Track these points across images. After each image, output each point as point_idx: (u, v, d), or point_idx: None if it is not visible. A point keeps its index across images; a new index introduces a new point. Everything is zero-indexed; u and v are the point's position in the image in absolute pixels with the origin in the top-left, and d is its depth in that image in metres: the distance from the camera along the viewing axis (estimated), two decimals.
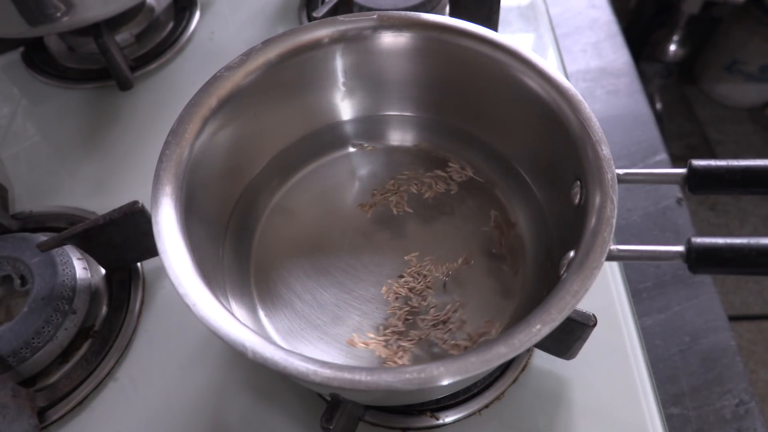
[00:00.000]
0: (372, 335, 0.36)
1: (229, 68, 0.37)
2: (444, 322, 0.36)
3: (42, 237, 0.43)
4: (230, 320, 0.27)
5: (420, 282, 0.38)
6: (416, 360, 0.35)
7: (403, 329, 0.36)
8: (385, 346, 0.36)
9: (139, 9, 0.60)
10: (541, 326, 0.26)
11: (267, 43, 0.38)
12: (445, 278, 0.38)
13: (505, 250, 0.39)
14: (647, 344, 0.42)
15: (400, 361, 0.35)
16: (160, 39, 0.61)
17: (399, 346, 0.35)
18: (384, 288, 0.38)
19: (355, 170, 0.44)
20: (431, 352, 0.36)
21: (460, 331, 0.36)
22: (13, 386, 0.36)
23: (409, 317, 0.37)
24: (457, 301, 0.37)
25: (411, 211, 0.42)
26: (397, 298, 0.38)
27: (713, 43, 1.52)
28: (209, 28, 0.62)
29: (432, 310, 0.37)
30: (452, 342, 0.35)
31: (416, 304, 0.37)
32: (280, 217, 0.42)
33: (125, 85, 0.56)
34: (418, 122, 0.45)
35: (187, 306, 0.27)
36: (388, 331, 0.36)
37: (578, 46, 0.65)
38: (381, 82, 0.43)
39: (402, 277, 0.39)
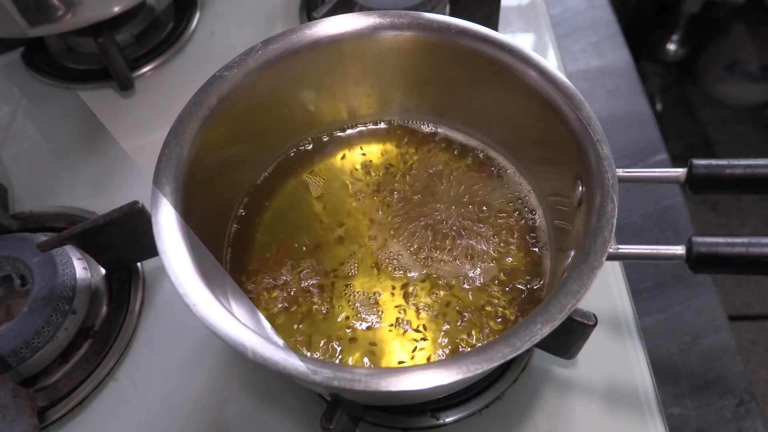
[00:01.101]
0: (356, 288, 0.37)
1: (229, 68, 0.37)
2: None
3: (42, 237, 0.43)
4: (230, 320, 0.27)
5: (420, 302, 0.37)
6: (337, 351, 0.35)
7: (365, 317, 0.36)
8: (350, 306, 0.37)
9: (139, 9, 0.60)
10: (542, 326, 0.26)
11: (267, 43, 0.38)
12: (433, 313, 0.36)
13: (495, 314, 0.36)
14: (647, 344, 0.42)
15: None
16: (160, 39, 0.61)
17: (348, 319, 0.36)
18: (402, 282, 0.37)
19: (362, 171, 0.44)
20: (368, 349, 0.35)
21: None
22: (13, 386, 0.36)
23: (380, 312, 0.36)
24: (422, 338, 0.36)
25: (428, 228, 0.40)
26: (394, 294, 0.37)
27: (713, 43, 1.52)
28: (209, 28, 0.62)
29: (395, 329, 0.36)
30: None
31: (395, 315, 0.36)
32: (280, 217, 0.42)
33: (125, 85, 0.56)
34: (417, 122, 0.45)
35: (187, 306, 0.27)
36: (356, 305, 0.37)
37: (578, 46, 0.65)
38: (381, 82, 0.43)
39: (424, 281, 0.37)
